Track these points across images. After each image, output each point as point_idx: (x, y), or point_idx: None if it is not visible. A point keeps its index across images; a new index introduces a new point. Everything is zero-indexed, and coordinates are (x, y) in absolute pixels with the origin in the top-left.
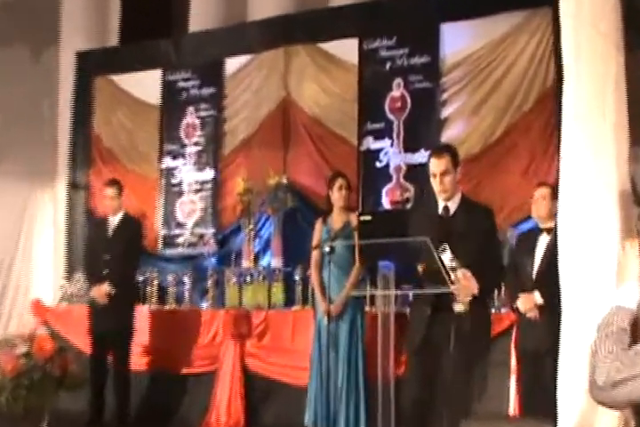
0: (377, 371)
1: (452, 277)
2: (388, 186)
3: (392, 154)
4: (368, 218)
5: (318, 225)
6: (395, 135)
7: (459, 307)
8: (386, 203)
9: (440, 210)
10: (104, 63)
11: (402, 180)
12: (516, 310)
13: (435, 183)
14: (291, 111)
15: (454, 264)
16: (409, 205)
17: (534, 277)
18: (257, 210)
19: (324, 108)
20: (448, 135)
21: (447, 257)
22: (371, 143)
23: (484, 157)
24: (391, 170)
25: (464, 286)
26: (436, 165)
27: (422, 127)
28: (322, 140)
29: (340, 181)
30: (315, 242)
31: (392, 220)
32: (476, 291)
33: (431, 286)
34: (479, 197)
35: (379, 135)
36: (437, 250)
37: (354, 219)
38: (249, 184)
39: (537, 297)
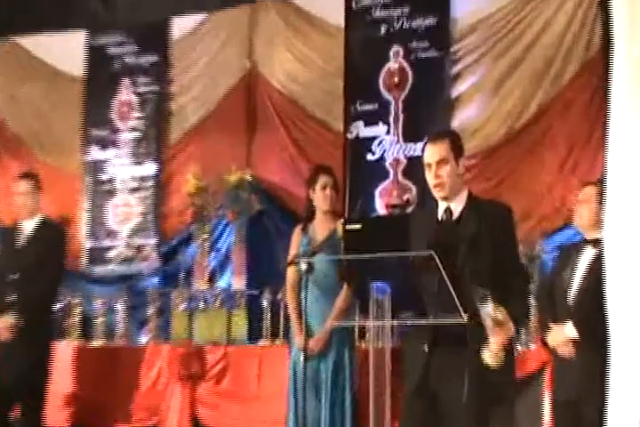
0: (369, 423)
1: (483, 316)
2: (383, 185)
3: (388, 144)
4: (357, 227)
5: (296, 235)
6: (392, 120)
7: (490, 359)
8: (380, 206)
9: (440, 214)
10: (6, 22)
11: (401, 177)
12: (547, 346)
13: (429, 177)
14: (257, 87)
15: (499, 316)
16: (410, 210)
17: (571, 302)
18: (213, 215)
19: (301, 85)
20: (461, 119)
21: (488, 309)
22: (361, 130)
23: (507, 147)
24: (387, 164)
25: (498, 330)
26: (431, 153)
27: (427, 109)
28: (298, 125)
29: (323, 179)
30: (290, 257)
31: (388, 228)
32: (512, 334)
33: (437, 312)
34: (501, 199)
35: (371, 120)
36: (480, 298)
37: (340, 227)
38: (202, 182)
39: (570, 329)
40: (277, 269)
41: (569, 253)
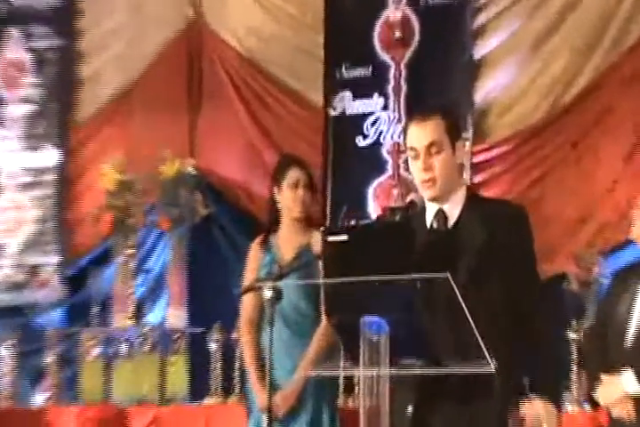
0: None
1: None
2: (379, 181)
3: (386, 123)
4: (342, 239)
5: (255, 251)
6: (391, 90)
7: None
8: (375, 211)
9: (429, 219)
10: None
11: (403, 169)
12: (598, 405)
13: (415, 168)
14: (203, 45)
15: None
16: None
17: (629, 345)
18: (140, 222)
19: (266, 41)
20: (486, 91)
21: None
22: (348, 104)
23: (550, 131)
24: (384, 152)
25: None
26: (418, 135)
27: (440, 76)
28: (260, 97)
29: (294, 174)
30: (248, 281)
31: (387, 241)
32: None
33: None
34: (541, 203)
35: (363, 90)
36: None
37: (317, 239)
38: (126, 176)
39: (629, 381)
40: (230, 299)
41: (626, 279)
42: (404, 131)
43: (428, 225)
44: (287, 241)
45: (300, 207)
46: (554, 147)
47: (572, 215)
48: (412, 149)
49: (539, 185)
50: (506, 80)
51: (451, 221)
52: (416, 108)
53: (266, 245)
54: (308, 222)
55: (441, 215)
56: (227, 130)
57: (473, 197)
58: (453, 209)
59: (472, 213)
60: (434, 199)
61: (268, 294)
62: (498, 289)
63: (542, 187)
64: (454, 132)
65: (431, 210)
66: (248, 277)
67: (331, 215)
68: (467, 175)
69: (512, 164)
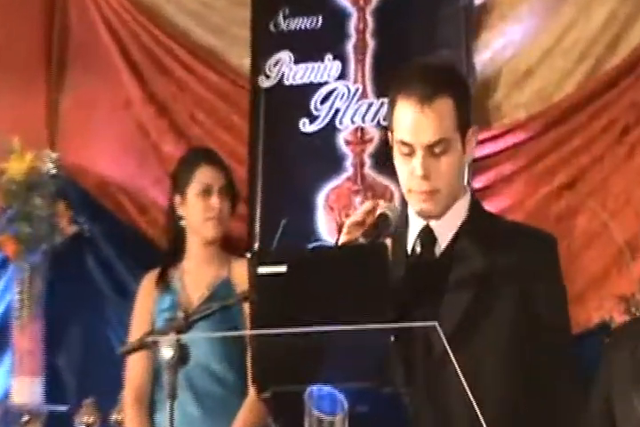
0: None
1: None
2: (334, 182)
3: (344, 99)
4: (279, 270)
5: (147, 290)
6: (351, 50)
7: None
8: (327, 226)
9: (412, 241)
10: None
11: (369, 166)
12: None
13: (406, 171)
14: None
15: None
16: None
17: None
18: None
19: None
20: (492, 51)
21: None
22: (288, 70)
23: (586, 111)
24: (341, 141)
25: None
26: (417, 126)
27: (423, 30)
28: (157, 60)
29: (206, 175)
30: (137, 334)
31: (344, 273)
32: None
33: None
34: (571, 221)
35: (309, 49)
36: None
37: (241, 271)
38: None
39: None
40: (109, 361)
41: None
42: (391, 107)
43: (409, 249)
44: (196, 275)
45: (215, 224)
46: (591, 135)
47: (617, 239)
48: (404, 144)
49: (568, 194)
50: (520, 36)
51: (441, 245)
52: (412, 76)
53: (164, 281)
54: (226, 246)
55: (427, 236)
56: (105, 109)
57: (478, 212)
58: (447, 228)
59: (474, 236)
60: (431, 213)
61: (166, 353)
62: (504, 351)
63: (573, 196)
64: (466, 119)
65: (414, 226)
66: (137, 327)
67: (261, 236)
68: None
69: (528, 161)
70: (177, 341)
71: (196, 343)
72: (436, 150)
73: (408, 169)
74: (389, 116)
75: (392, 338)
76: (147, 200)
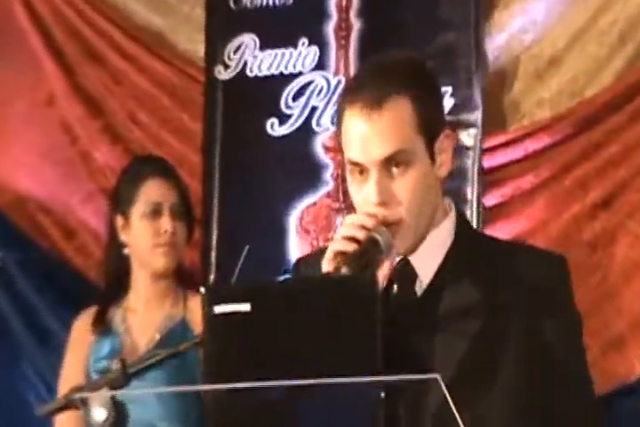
0: None
1: None
2: (310, 198)
3: (322, 94)
4: (241, 308)
5: (81, 334)
6: (331, 33)
7: None
8: (302, 252)
9: (386, 276)
10: None
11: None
12: None
13: (358, 194)
14: None
15: None
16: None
17: None
18: None
19: None
20: (507, 34)
21: None
22: (252, 58)
23: (627, 111)
24: (318, 147)
25: None
26: (363, 141)
27: (420, 8)
28: (88, 45)
29: (154, 190)
30: (66, 388)
31: (322, 312)
32: None
33: None
34: (609, 250)
35: (278, 32)
36: None
37: (195, 309)
38: None
39: None
40: (28, 423)
41: None
42: (339, 122)
43: (390, 290)
44: (144, 315)
45: (166, 252)
46: (632, 140)
47: None
48: (353, 164)
49: (603, 214)
50: (544, 16)
51: (423, 281)
52: (358, 79)
53: (103, 322)
54: (181, 279)
55: (405, 271)
56: (22, 107)
57: (467, 236)
58: (429, 260)
59: (464, 266)
60: (398, 253)
61: (98, 414)
62: (515, 407)
63: (610, 217)
64: (432, 121)
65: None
66: (67, 382)
67: (219, 266)
68: (472, 192)
69: (553, 172)
70: (111, 398)
71: (137, 401)
72: (395, 168)
73: (362, 194)
74: (338, 132)
75: (382, 394)
76: (74, 222)
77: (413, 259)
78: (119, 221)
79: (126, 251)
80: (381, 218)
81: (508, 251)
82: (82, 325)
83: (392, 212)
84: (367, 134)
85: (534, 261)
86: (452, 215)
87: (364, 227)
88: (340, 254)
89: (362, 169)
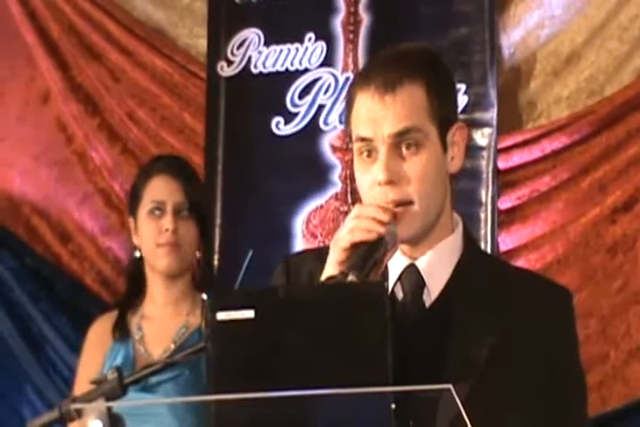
0: None
1: None
2: (317, 200)
3: (330, 91)
4: (245, 315)
5: (97, 337)
6: (340, 27)
7: None
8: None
9: (391, 284)
10: None
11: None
12: None
13: (364, 174)
14: None
15: None
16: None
17: None
18: None
19: None
20: (523, 28)
21: None
22: (256, 54)
23: None
24: (326, 146)
25: None
26: (375, 116)
27: (434, 1)
28: (83, 40)
29: (158, 188)
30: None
31: (330, 319)
32: None
33: None
34: (637, 246)
35: (283, 27)
36: None
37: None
38: None
39: None
40: None
41: None
42: (349, 106)
43: (396, 297)
44: (160, 322)
45: (167, 252)
46: None
47: None
48: (362, 140)
49: (624, 218)
50: (562, 10)
51: (431, 292)
52: (372, 65)
53: (122, 328)
54: (196, 283)
55: (413, 279)
56: (16, 105)
57: (476, 254)
58: (438, 269)
59: (473, 284)
60: (402, 241)
61: (95, 426)
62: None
63: (631, 221)
64: (445, 111)
65: (395, 266)
66: (81, 386)
67: (221, 271)
68: (486, 194)
69: (572, 174)
70: (108, 410)
71: (154, 415)
72: (405, 149)
73: (369, 173)
74: (347, 118)
75: (392, 406)
76: (70, 225)
77: (421, 266)
78: (131, 222)
79: (138, 254)
80: (390, 198)
81: (518, 276)
82: (100, 329)
83: (400, 191)
84: (378, 112)
85: (543, 290)
86: (460, 230)
87: (377, 220)
88: (352, 250)
89: (370, 149)
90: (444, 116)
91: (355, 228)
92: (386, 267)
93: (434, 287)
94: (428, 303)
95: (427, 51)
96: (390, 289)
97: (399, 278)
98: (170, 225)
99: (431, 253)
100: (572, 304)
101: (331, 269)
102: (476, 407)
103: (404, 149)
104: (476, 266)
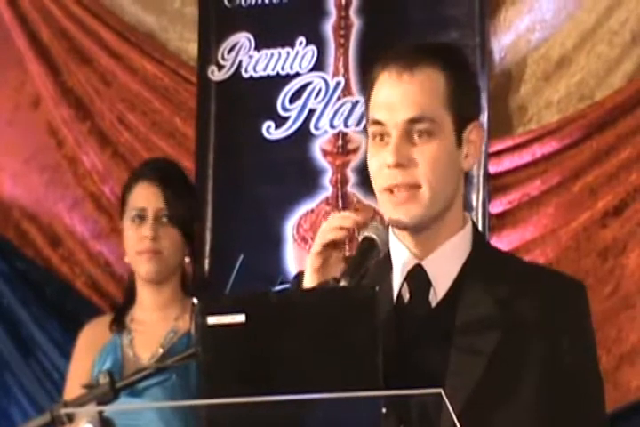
0: None
1: None
2: (308, 205)
3: (321, 95)
4: (236, 319)
5: (88, 341)
6: (330, 31)
7: None
8: (296, 266)
9: (397, 283)
10: None
11: (353, 184)
12: None
13: (375, 158)
14: None
15: None
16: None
17: None
18: None
19: None
20: (514, 32)
21: None
22: (247, 58)
23: (635, 113)
24: (317, 151)
25: None
26: (391, 98)
27: (423, 4)
28: (75, 45)
29: (141, 195)
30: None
31: (320, 324)
32: None
33: None
34: (627, 251)
35: (274, 31)
36: None
37: (186, 322)
38: None
39: None
40: None
41: None
42: (369, 88)
43: (395, 295)
44: (149, 327)
45: (147, 259)
46: None
47: None
48: (376, 123)
49: (615, 222)
50: (552, 14)
51: (438, 292)
52: (395, 51)
53: (119, 324)
54: (186, 289)
55: (419, 279)
56: (5, 109)
57: (486, 251)
58: (444, 269)
59: (483, 281)
60: (404, 226)
61: None
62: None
63: (621, 225)
64: (463, 104)
65: (400, 265)
66: (71, 394)
67: (212, 276)
68: (477, 199)
69: (562, 178)
70: (99, 414)
71: (143, 419)
72: (417, 137)
73: (380, 157)
74: (366, 101)
75: (383, 410)
76: (61, 229)
77: (427, 266)
78: (122, 229)
79: (127, 259)
80: (398, 181)
81: (529, 270)
82: (89, 334)
83: (408, 174)
84: (395, 95)
85: (555, 283)
86: (469, 228)
87: (343, 227)
88: (332, 245)
89: (383, 133)
90: (463, 108)
91: (323, 230)
92: (389, 268)
93: (440, 287)
94: (434, 303)
95: (452, 45)
96: (397, 290)
97: (405, 279)
98: (149, 232)
99: (438, 251)
100: (586, 297)
101: (308, 277)
102: (483, 405)
103: (415, 137)
104: (484, 264)
